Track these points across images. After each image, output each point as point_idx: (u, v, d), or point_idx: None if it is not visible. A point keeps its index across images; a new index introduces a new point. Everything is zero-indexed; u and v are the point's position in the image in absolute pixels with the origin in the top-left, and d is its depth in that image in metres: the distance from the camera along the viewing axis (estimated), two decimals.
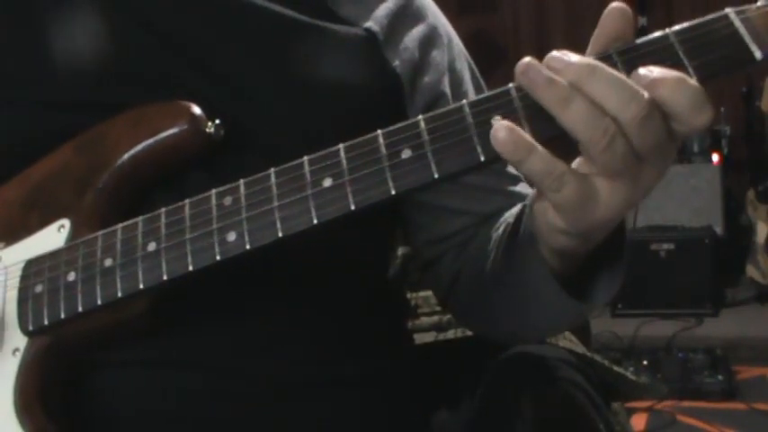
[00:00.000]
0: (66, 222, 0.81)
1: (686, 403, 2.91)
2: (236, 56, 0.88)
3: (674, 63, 0.64)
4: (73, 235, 0.80)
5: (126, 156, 0.81)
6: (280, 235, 0.69)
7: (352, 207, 0.67)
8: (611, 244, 0.75)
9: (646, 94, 0.62)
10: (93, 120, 0.83)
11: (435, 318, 1.19)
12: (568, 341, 1.10)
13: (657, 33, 0.66)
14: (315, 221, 0.68)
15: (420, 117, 0.67)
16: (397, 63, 0.93)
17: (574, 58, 0.64)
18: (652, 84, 0.62)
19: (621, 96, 0.62)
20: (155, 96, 0.83)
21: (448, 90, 0.96)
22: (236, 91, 0.86)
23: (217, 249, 0.71)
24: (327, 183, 0.68)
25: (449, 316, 1.14)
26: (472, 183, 0.92)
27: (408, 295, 1.21)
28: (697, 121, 0.63)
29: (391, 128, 0.68)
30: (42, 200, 0.83)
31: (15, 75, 0.88)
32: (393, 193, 0.66)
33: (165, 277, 0.73)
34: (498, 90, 0.66)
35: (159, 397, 0.82)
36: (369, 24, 0.93)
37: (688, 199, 3.84)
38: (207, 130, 0.81)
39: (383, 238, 0.98)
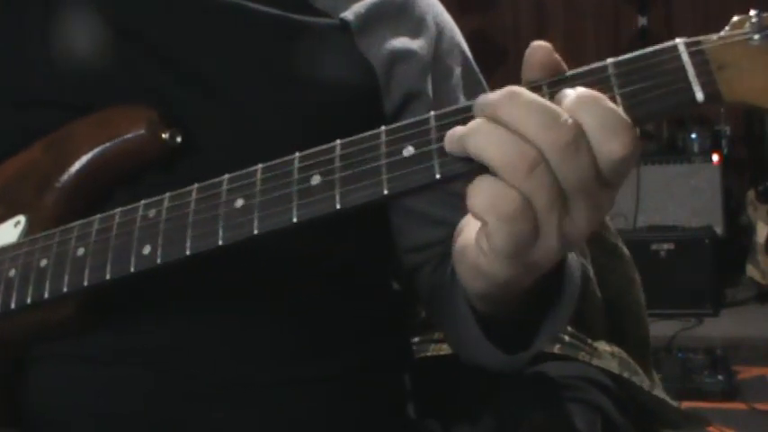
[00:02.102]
0: (22, 219, 0.83)
1: (686, 403, 2.91)
2: (207, 53, 0.87)
3: (608, 98, 0.58)
4: (28, 231, 0.82)
5: (84, 158, 0.82)
6: (187, 253, 0.69)
7: (255, 232, 0.66)
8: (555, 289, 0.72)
9: (570, 120, 0.56)
10: (68, 120, 0.84)
11: None
12: (615, 359, 1.05)
13: (597, 63, 0.60)
14: (220, 242, 0.67)
15: (338, 141, 0.64)
16: (371, 53, 0.91)
17: (495, 93, 0.59)
18: (568, 106, 0.57)
19: (541, 120, 0.56)
20: (127, 97, 0.84)
21: (429, 87, 0.92)
22: (205, 89, 0.86)
23: (132, 261, 0.71)
24: (239, 203, 0.67)
25: None
26: (457, 192, 0.89)
27: None
28: (609, 146, 0.56)
29: (309, 151, 0.66)
30: (8, 195, 0.85)
31: None
32: (294, 221, 0.64)
33: (85, 283, 0.73)
34: (418, 118, 0.63)
35: (100, 393, 0.83)
36: (344, 14, 0.91)
37: (688, 199, 3.84)
38: (163, 136, 0.81)
39: (362, 242, 0.94)
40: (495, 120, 0.58)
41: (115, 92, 0.85)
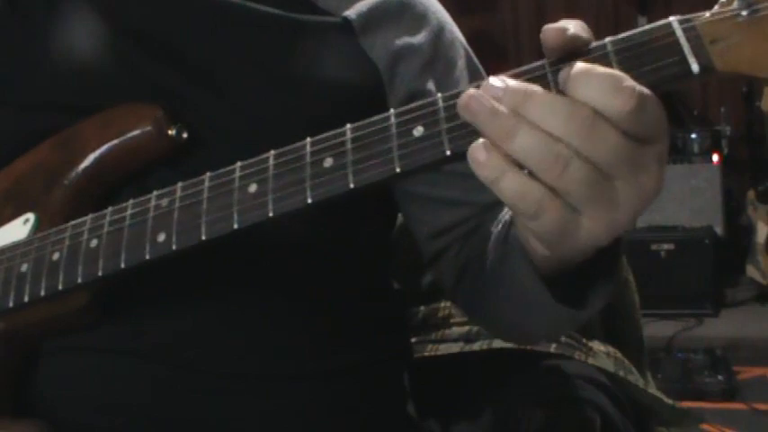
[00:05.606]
0: (31, 216, 0.84)
1: (686, 403, 2.90)
2: (210, 53, 0.88)
3: None
4: (37, 228, 0.83)
5: (92, 156, 0.84)
6: (203, 238, 0.70)
7: (270, 214, 0.67)
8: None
9: (584, 107, 0.58)
10: (74, 121, 0.85)
11: (466, 328, 1.16)
12: (610, 358, 1.05)
13: (596, 42, 0.62)
14: (235, 226, 0.69)
15: (348, 126, 0.66)
16: (374, 52, 0.91)
17: (510, 82, 0.60)
18: (567, 82, 0.59)
19: (559, 116, 0.58)
20: (130, 97, 0.85)
21: (431, 85, 0.93)
22: (209, 88, 0.87)
23: (147, 248, 0.72)
24: (252, 188, 0.68)
25: (477, 327, 1.11)
26: (469, 171, 0.89)
27: (442, 304, 1.19)
28: (615, 104, 0.57)
29: (320, 136, 0.67)
30: (17, 193, 0.86)
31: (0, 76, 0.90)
32: (309, 201, 0.66)
33: (100, 273, 0.75)
34: (427, 100, 0.65)
35: (109, 386, 0.83)
36: (347, 13, 0.92)
37: (688, 199, 3.84)
38: (169, 132, 0.83)
39: (364, 240, 0.95)
40: (520, 117, 0.59)
41: (118, 92, 0.86)
